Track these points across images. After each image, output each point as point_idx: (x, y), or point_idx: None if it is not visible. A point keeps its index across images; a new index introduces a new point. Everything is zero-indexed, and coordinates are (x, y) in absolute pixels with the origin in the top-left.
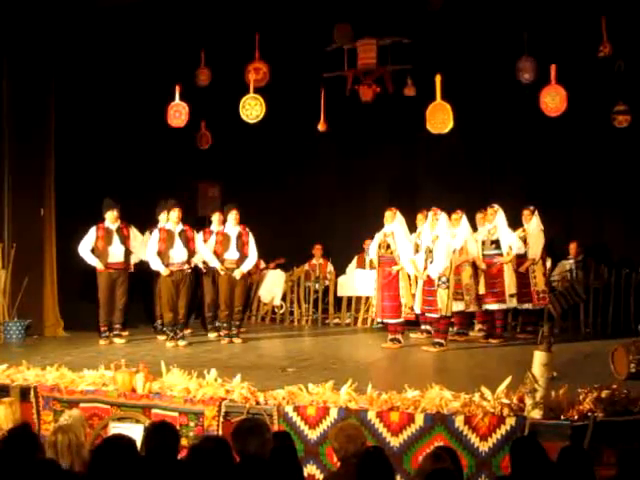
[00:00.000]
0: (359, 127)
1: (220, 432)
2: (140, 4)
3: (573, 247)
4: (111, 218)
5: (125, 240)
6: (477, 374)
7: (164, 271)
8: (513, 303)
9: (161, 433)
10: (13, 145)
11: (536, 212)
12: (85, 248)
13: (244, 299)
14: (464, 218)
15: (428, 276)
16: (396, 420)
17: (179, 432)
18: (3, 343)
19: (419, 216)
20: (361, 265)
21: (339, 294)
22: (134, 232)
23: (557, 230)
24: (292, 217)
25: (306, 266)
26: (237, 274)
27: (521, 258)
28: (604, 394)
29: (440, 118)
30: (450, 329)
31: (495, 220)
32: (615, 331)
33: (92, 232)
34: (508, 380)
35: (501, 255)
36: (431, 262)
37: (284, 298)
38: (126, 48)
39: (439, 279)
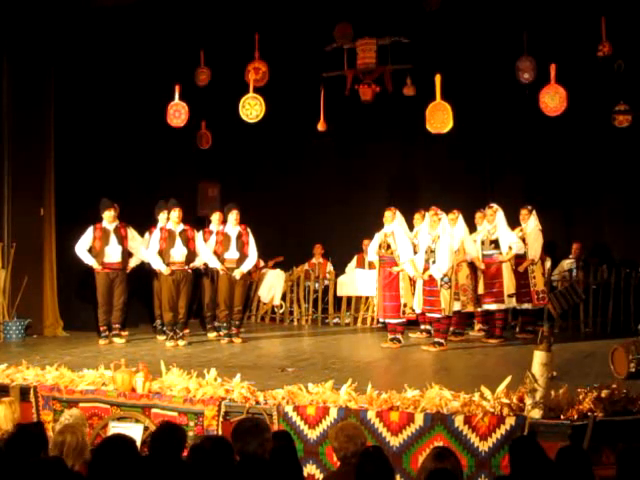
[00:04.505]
0: (359, 127)
1: (220, 432)
2: (140, 4)
3: (575, 247)
4: (108, 218)
5: (122, 240)
6: (477, 374)
7: (165, 270)
8: (512, 303)
9: (168, 435)
10: (13, 145)
11: (534, 212)
12: (82, 247)
13: (244, 299)
14: (460, 218)
15: (430, 276)
16: (396, 420)
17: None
18: (3, 343)
19: (416, 216)
20: (361, 265)
21: (339, 294)
22: (132, 232)
23: (557, 230)
24: (292, 217)
25: (306, 266)
26: (237, 274)
27: (520, 258)
28: (604, 394)
29: (440, 118)
30: None
31: (495, 220)
32: (615, 331)
33: (89, 232)
34: (508, 380)
35: (501, 254)
36: (433, 262)
37: (284, 298)
38: (126, 48)
39: (441, 279)
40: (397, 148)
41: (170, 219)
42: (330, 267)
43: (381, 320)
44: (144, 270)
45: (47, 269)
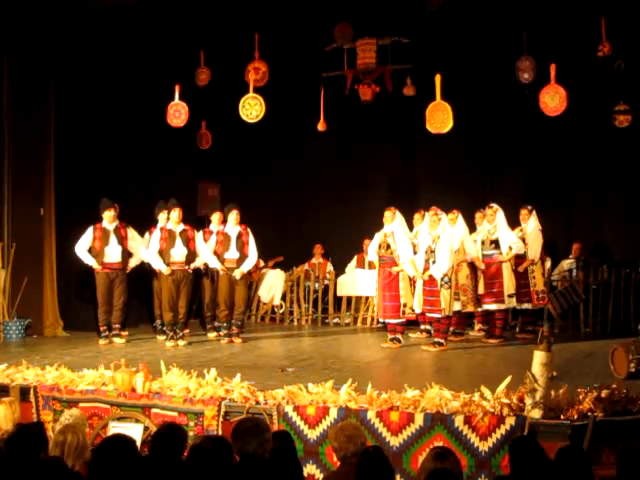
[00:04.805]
0: (359, 127)
1: (220, 432)
2: (140, 4)
3: (575, 247)
4: (108, 218)
5: (122, 240)
6: (477, 374)
7: (166, 270)
8: (512, 303)
9: (170, 435)
10: (13, 145)
11: (534, 212)
12: (82, 248)
13: (246, 299)
14: (460, 218)
15: (430, 276)
16: (396, 420)
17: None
18: (3, 343)
19: (416, 216)
20: (361, 265)
21: (339, 294)
22: (132, 232)
23: (557, 230)
24: (292, 217)
25: (306, 266)
26: (237, 274)
27: (520, 258)
28: (604, 394)
29: (440, 118)
30: None
31: (495, 220)
32: (615, 331)
33: (89, 232)
34: (508, 380)
35: (501, 254)
36: (433, 262)
37: (284, 298)
38: (126, 48)
39: (442, 279)
40: (397, 148)
41: (170, 219)
42: (330, 267)
43: (381, 320)
44: (144, 270)
45: (47, 269)
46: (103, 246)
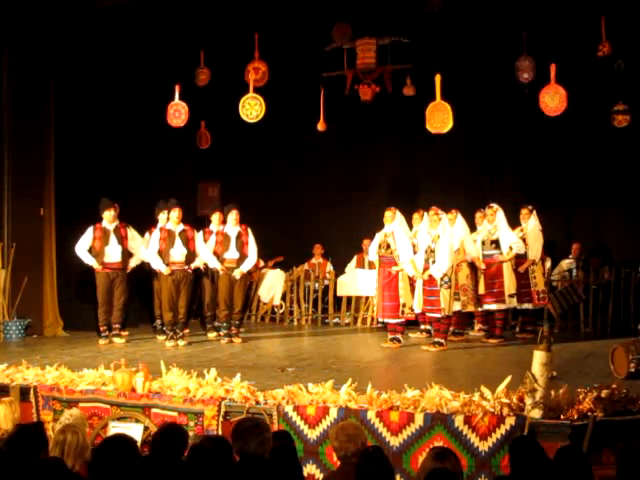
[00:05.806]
0: (359, 127)
1: (220, 432)
2: (140, 4)
3: (575, 247)
4: (108, 218)
5: (122, 240)
6: (477, 374)
7: (165, 270)
8: (513, 303)
9: (171, 436)
10: (13, 145)
11: (534, 212)
12: (82, 247)
13: (243, 299)
14: (459, 217)
15: (430, 276)
16: (396, 420)
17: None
18: (3, 343)
19: (415, 216)
20: (361, 265)
21: (339, 294)
22: (132, 232)
23: (557, 230)
24: (292, 217)
25: (306, 265)
26: (237, 274)
27: (521, 258)
28: (604, 394)
29: (440, 118)
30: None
31: (495, 220)
32: (615, 331)
33: (89, 232)
34: (508, 380)
35: (501, 254)
36: (433, 262)
37: (284, 298)
38: (126, 48)
39: (441, 279)
40: (397, 148)
41: (170, 219)
42: (330, 267)
43: (381, 320)
44: (144, 270)
45: (47, 269)
46: (103, 246)
